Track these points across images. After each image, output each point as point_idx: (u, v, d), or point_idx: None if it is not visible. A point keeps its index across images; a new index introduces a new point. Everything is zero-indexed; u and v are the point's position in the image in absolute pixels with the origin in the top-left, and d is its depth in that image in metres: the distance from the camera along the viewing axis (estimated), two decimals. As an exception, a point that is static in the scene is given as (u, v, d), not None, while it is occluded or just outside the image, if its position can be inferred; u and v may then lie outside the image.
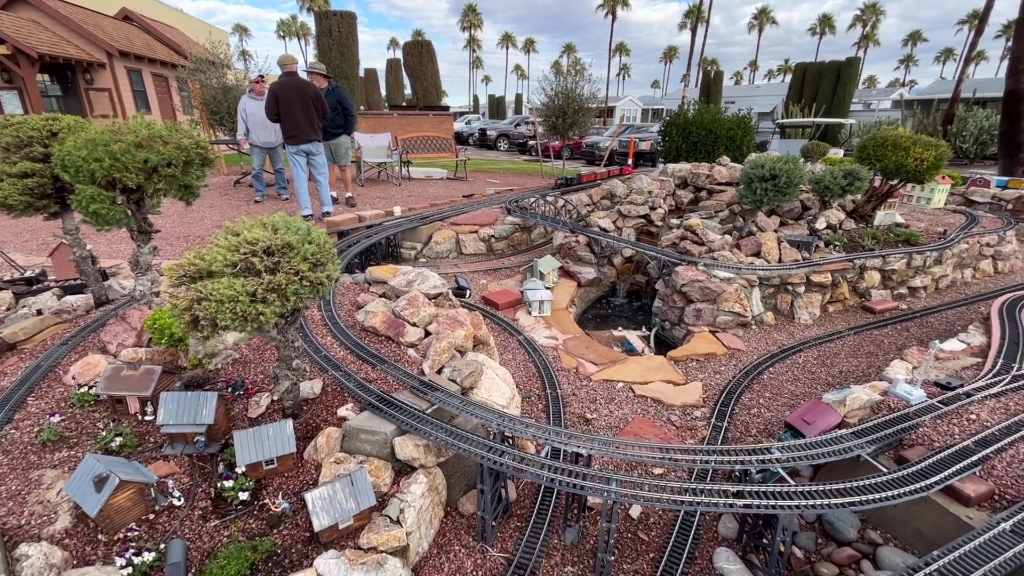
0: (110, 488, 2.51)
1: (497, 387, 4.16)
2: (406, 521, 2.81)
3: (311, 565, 2.51)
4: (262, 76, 9.76)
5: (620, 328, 6.14)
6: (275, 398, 3.36)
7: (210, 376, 3.89)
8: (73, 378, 3.63)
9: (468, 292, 6.25)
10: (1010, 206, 10.19)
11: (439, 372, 3.94)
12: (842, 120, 21.32)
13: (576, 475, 2.76)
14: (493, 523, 3.12)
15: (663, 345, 6.01)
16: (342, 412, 3.42)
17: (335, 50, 20.43)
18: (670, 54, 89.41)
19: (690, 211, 8.31)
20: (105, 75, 19.80)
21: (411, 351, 4.22)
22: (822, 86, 27.20)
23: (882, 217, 7.74)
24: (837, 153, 15.26)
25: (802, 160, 7.42)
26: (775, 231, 7.08)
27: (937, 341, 3.64)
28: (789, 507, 2.56)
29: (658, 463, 2.86)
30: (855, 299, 6.70)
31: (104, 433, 3.14)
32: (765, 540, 2.83)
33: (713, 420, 4.22)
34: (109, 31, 20.52)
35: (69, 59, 17.68)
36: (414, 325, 4.48)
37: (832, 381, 4.88)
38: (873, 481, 2.74)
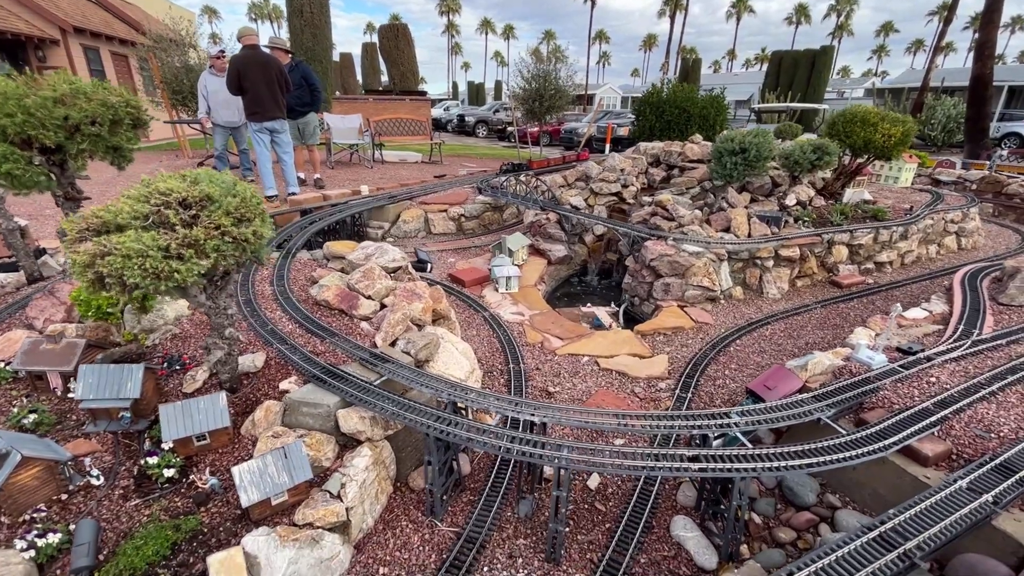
0: (11, 465, 2.28)
1: (455, 361, 3.99)
2: (347, 496, 2.64)
3: (239, 543, 2.32)
4: (223, 51, 9.27)
5: (589, 305, 6.02)
6: (207, 370, 3.13)
7: (146, 352, 3.63)
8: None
9: (429, 266, 6.05)
10: (974, 186, 10.37)
11: (393, 345, 3.76)
12: (816, 106, 21.51)
13: (527, 443, 2.62)
14: (444, 497, 2.97)
15: (633, 321, 5.91)
16: (284, 385, 3.22)
17: (307, 31, 19.73)
18: (649, 42, 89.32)
19: (662, 189, 8.22)
20: (59, 53, 18.77)
21: (364, 324, 4.02)
22: (797, 74, 27.42)
23: (851, 194, 7.76)
24: (811, 138, 15.38)
25: (777, 140, 7.37)
26: (745, 207, 7.02)
27: (899, 306, 3.59)
28: (745, 470, 2.46)
29: (614, 430, 2.75)
30: (823, 274, 6.70)
31: (16, 410, 2.88)
32: (723, 506, 2.74)
33: (677, 391, 4.13)
34: (63, 6, 19.44)
35: (19, 34, 16.71)
36: (369, 298, 4.28)
37: (798, 352, 4.84)
38: (831, 443, 2.66)
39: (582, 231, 7.54)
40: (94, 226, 2.21)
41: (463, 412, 3.10)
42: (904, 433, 2.72)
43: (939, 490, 2.36)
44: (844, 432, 2.77)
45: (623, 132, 17.84)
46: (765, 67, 37.75)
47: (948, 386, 3.20)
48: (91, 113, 3.44)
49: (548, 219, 7.41)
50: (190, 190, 2.31)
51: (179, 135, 14.64)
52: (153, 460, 2.66)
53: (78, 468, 2.65)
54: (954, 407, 2.95)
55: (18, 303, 4.13)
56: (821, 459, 2.51)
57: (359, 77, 36.13)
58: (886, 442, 2.65)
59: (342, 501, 2.62)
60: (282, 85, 7.74)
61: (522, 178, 9.06)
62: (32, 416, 2.84)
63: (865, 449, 2.59)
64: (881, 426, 2.79)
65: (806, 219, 6.89)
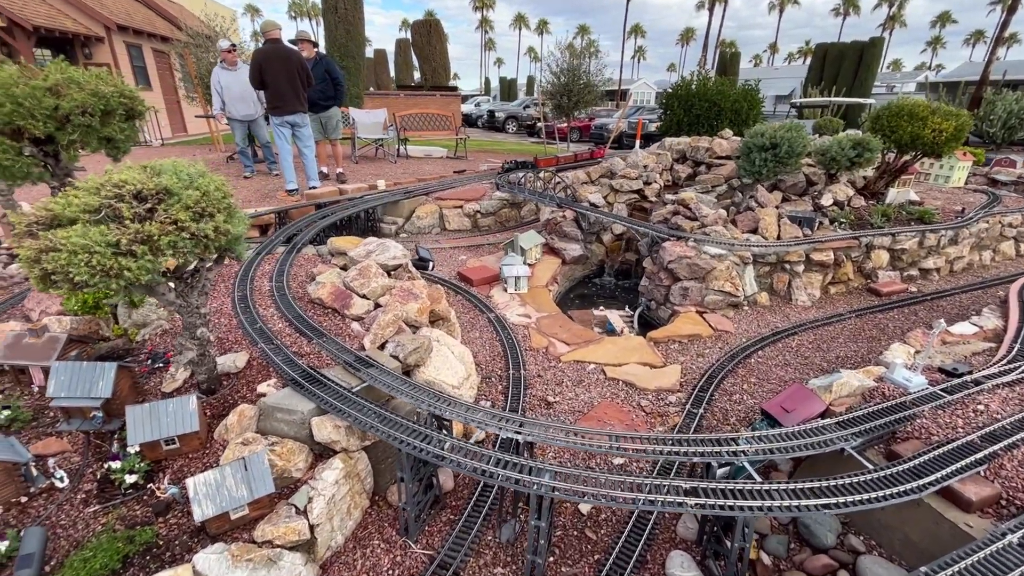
0: (-38, 467, 2.19)
1: (449, 366, 3.78)
2: (312, 512, 2.46)
3: (190, 561, 2.17)
4: (234, 46, 9.30)
5: (602, 308, 5.72)
6: (174, 371, 3.01)
7: (133, 348, 3.56)
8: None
9: (431, 264, 5.86)
10: (1037, 187, 9.49)
11: (382, 348, 3.57)
12: (863, 100, 20.30)
13: (508, 465, 2.38)
14: (423, 516, 2.76)
15: (648, 326, 5.58)
16: (262, 388, 3.07)
17: (341, 27, 19.93)
18: (687, 36, 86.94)
19: (687, 186, 7.80)
20: (104, 50, 19.50)
21: (355, 325, 3.85)
22: (843, 67, 26.02)
23: (895, 195, 7.16)
24: (853, 134, 14.47)
25: (813, 136, 6.82)
26: (776, 207, 6.56)
27: (942, 322, 3.17)
28: (750, 508, 2.15)
29: (607, 452, 2.48)
30: (860, 280, 6.19)
31: (-11, 406, 2.82)
32: (727, 545, 2.44)
33: (688, 406, 3.81)
34: (108, 4, 20.18)
35: (66, 32, 17.41)
36: (363, 297, 4.11)
37: (827, 367, 4.43)
38: (856, 479, 2.32)
39: (600, 230, 7.22)
40: (44, 219, 2.08)
41: (447, 425, 2.89)
42: (944, 472, 2.35)
43: (984, 545, 2.00)
44: (872, 466, 2.41)
45: (654, 128, 17.27)
46: (808, 61, 36.15)
47: (999, 416, 2.79)
48: (81, 103, 3.36)
49: (564, 217, 7.11)
50: (146, 182, 2.16)
51: (212, 130, 14.93)
52: (116, 464, 2.54)
53: (43, 469, 2.56)
54: (1006, 442, 2.55)
55: (20, 294, 4.15)
56: (842, 499, 2.18)
57: (392, 73, 36.42)
58: (921, 481, 2.29)
59: (307, 517, 2.44)
60: (303, 79, 7.69)
61: (542, 175, 8.77)
62: (5, 412, 2.78)
63: (896, 489, 2.24)
64: (916, 462, 2.43)
65: (843, 220, 6.38)
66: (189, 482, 2.26)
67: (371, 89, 24.86)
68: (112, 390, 2.79)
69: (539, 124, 21.69)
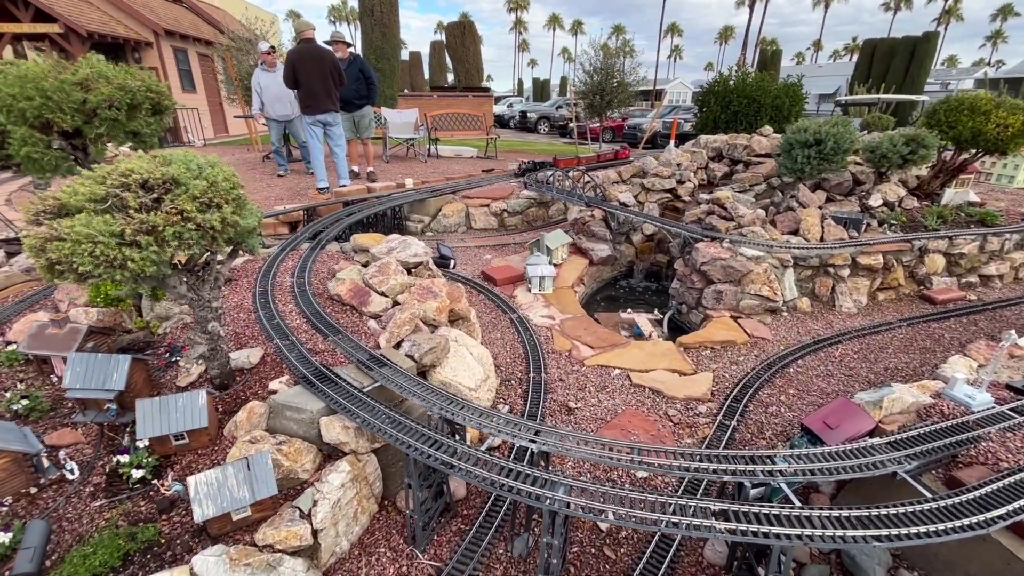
0: (-28, 456, 2.18)
1: (467, 367, 3.65)
2: (316, 516, 2.36)
3: (188, 562, 2.10)
4: (273, 48, 9.49)
5: (629, 311, 5.49)
6: (186, 365, 2.98)
7: (154, 341, 3.57)
8: (2, 335, 3.39)
9: (452, 262, 5.74)
10: (1115, 189, 8.67)
11: (397, 347, 3.47)
12: (914, 97, 19.18)
13: (519, 476, 2.22)
14: (432, 524, 2.64)
15: (678, 331, 5.32)
16: (274, 385, 3.01)
17: (377, 30, 20.25)
18: (726, 34, 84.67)
19: (723, 186, 7.46)
20: (152, 54, 20.35)
21: (372, 322, 3.76)
22: (893, 64, 24.70)
23: (951, 195, 6.64)
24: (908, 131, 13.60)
25: (861, 132, 6.37)
26: (819, 208, 6.18)
27: (1013, 333, 2.83)
28: (788, 536, 1.92)
29: (628, 467, 2.29)
30: (912, 287, 5.75)
31: (9, 395, 2.84)
32: (763, 572, 2.21)
33: (720, 417, 3.56)
34: (156, 10, 21.07)
35: (118, 38, 18.24)
36: (382, 294, 4.03)
37: (874, 379, 4.09)
38: (912, 509, 2.05)
39: (629, 230, 6.97)
40: (51, 208, 2.05)
41: (460, 430, 2.75)
42: (1017, 504, 2.06)
43: (1067, 593, 1.72)
44: (929, 494, 2.14)
45: (689, 127, 16.77)
46: (855, 58, 34.61)
47: (1081, 442, 2.45)
48: (108, 96, 3.39)
49: (593, 216, 6.90)
50: (153, 171, 2.10)
51: (250, 131, 15.31)
52: (124, 458, 2.51)
53: (54, 460, 2.55)
54: (1090, 472, 2.23)
55: (52, 286, 4.24)
56: (896, 531, 1.93)
57: (426, 75, 36.85)
58: (990, 515, 2.01)
59: (311, 521, 2.35)
60: (335, 79, 7.75)
61: (572, 173, 8.57)
62: (24, 402, 2.80)
63: (960, 522, 1.97)
64: (983, 491, 2.14)
65: (893, 222, 5.94)
66: (190, 481, 2.19)
67: (405, 91, 25.17)
68: (126, 383, 2.77)
69: (571, 125, 21.46)
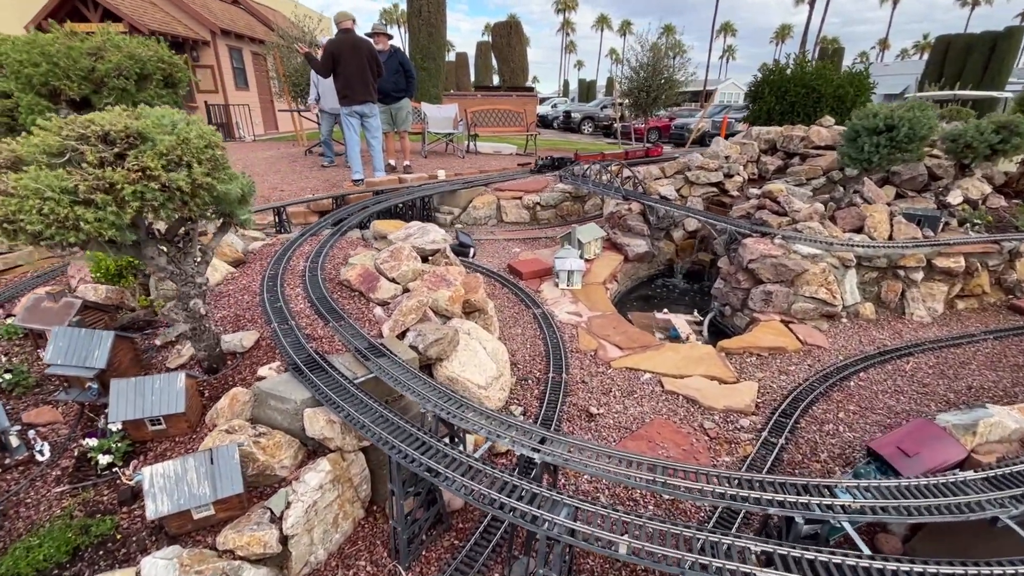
0: (-73, 430, 2.02)
1: (477, 362, 3.32)
2: (287, 519, 2.08)
3: (137, 563, 1.86)
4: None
5: (666, 311, 5.02)
6: (159, 342, 2.78)
7: (156, 320, 3.43)
8: (2, 308, 3.32)
9: (471, 251, 5.42)
10: None
11: (402, 336, 3.18)
12: (996, 94, 17.45)
13: (511, 492, 1.86)
14: (421, 538, 2.31)
15: (720, 335, 4.81)
16: (263, 372, 2.76)
17: (424, 30, 20.40)
18: (783, 33, 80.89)
19: (776, 180, 6.82)
20: (209, 52, 21.20)
21: (378, 310, 3.49)
22: (970, 61, 22.76)
23: (1049, 193, 5.79)
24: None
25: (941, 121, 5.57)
26: (887, 204, 5.50)
27: None
28: (854, 594, 1.48)
29: (650, 489, 1.89)
30: (998, 295, 5.00)
31: (-7, 368, 2.72)
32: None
33: (765, 434, 3.08)
34: (214, 10, 21.95)
35: (177, 36, 19.07)
36: (392, 281, 3.75)
37: (954, 399, 3.48)
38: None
39: (669, 225, 6.47)
40: (6, 161, 1.85)
41: (458, 433, 2.42)
42: None
43: None
44: (1046, 550, 1.64)
45: (741, 127, 15.87)
46: (925, 57, 32.26)
47: None
48: (117, 65, 3.25)
49: (630, 210, 6.44)
50: (115, 123, 1.87)
51: (296, 127, 15.60)
52: (93, 442, 2.31)
53: (25, 439, 2.39)
54: None
55: (68, 263, 4.21)
56: (1002, 599, 1.45)
57: (472, 76, 37.01)
58: None
59: (281, 526, 2.07)
60: (373, 69, 7.64)
61: (611, 167, 8.11)
62: (7, 376, 2.66)
63: (1093, 594, 1.47)
64: (1124, 552, 1.61)
65: (976, 222, 5.21)
66: (145, 472, 1.96)
67: (451, 92, 25.28)
68: (108, 361, 2.59)
69: (616, 124, 20.87)
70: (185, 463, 2.00)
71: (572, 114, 29.43)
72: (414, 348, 3.05)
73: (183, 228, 2.36)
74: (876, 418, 3.31)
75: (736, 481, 1.91)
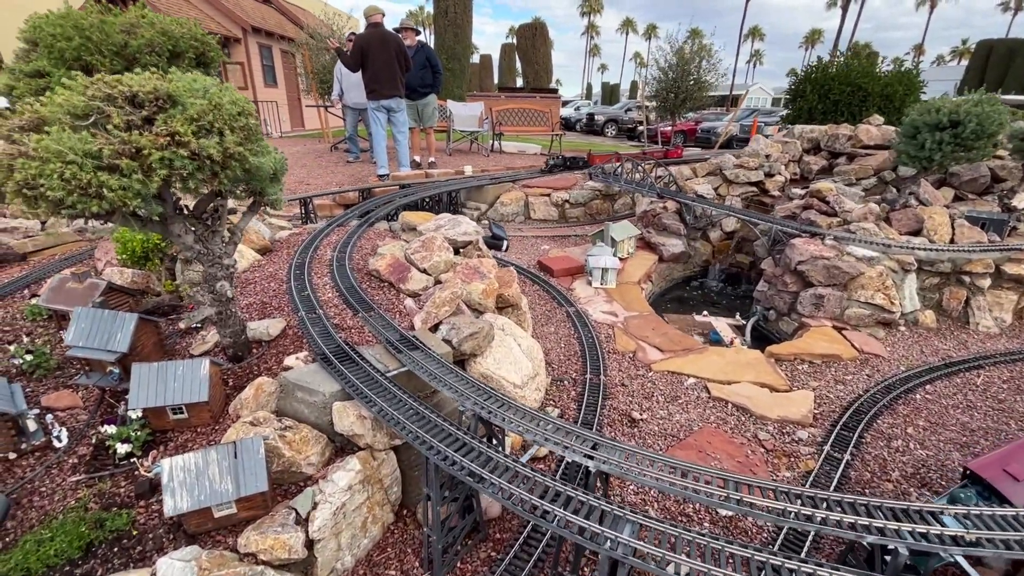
0: (-59, 411, 1.90)
1: (513, 360, 3.12)
2: (314, 522, 1.90)
3: (153, 563, 1.70)
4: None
5: (705, 313, 4.75)
6: (183, 325, 2.64)
7: (181, 306, 3.31)
8: (28, 289, 3.23)
9: (505, 244, 5.22)
10: None
11: (434, 329, 3.00)
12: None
13: (566, 503, 1.65)
14: (456, 547, 2.12)
15: (763, 341, 4.52)
16: (290, 361, 2.61)
17: (450, 31, 20.41)
18: (812, 38, 79.11)
19: (821, 179, 6.48)
20: (239, 50, 21.52)
21: (409, 301, 3.32)
22: (1014, 66, 21.88)
23: (1125, 199, 5.35)
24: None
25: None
26: (946, 207, 5.14)
27: None
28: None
29: (712, 504, 1.66)
30: (1074, 307, 4.61)
31: (13, 347, 2.62)
32: None
33: (828, 448, 2.81)
34: (247, 9, 22.28)
35: (210, 33, 19.39)
36: (423, 272, 3.58)
37: (1037, 417, 3.16)
38: None
39: (707, 225, 6.19)
40: (29, 123, 1.72)
41: (498, 434, 2.22)
42: None
43: None
44: None
45: (772, 131, 15.41)
46: (963, 63, 31.15)
47: None
48: (150, 41, 3.15)
49: (665, 208, 6.19)
50: (144, 84, 1.72)
51: (322, 123, 15.67)
52: (111, 429, 2.17)
53: (42, 424, 2.26)
54: None
55: (95, 246, 4.15)
56: None
57: (495, 78, 37.02)
58: None
59: (307, 529, 1.89)
60: (402, 64, 7.54)
61: (644, 165, 7.85)
62: (28, 356, 2.55)
63: None
64: None
65: (1047, 227, 4.82)
66: (164, 464, 1.80)
67: (475, 92, 25.27)
68: (130, 344, 2.46)
69: (640, 127, 20.54)
70: (207, 456, 1.84)
71: (595, 117, 29.09)
72: (447, 342, 2.87)
73: (212, 204, 2.22)
74: (950, 435, 3.01)
75: (824, 502, 1.67)
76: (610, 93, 49.36)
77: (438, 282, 3.54)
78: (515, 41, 27.82)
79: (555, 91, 24.54)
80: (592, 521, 1.55)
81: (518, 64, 30.42)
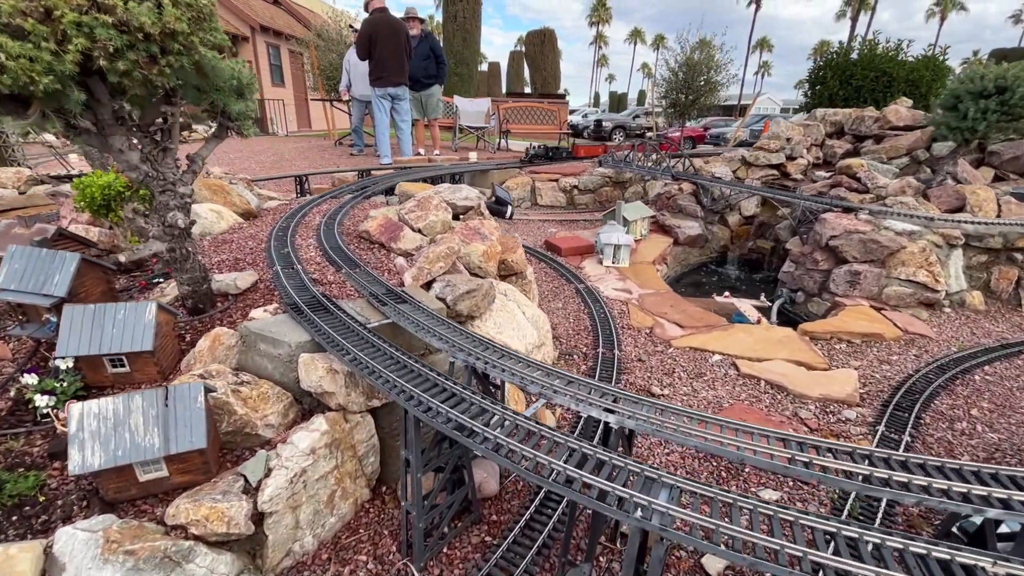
0: None
1: (517, 326, 2.75)
2: (265, 490, 1.53)
3: (53, 534, 1.33)
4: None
5: (727, 294, 4.36)
6: (124, 259, 2.29)
7: (145, 260, 2.96)
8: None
9: (510, 209, 4.85)
10: None
11: (427, 287, 2.63)
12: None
13: (588, 463, 1.27)
14: (442, 529, 1.73)
15: (790, 324, 4.11)
16: (256, 314, 2.25)
17: (458, 36, 20.33)
18: (821, 50, 79.06)
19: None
20: (247, 48, 21.47)
21: (400, 260, 2.95)
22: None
23: None
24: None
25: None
26: (988, 185, 4.74)
27: None
28: None
29: (789, 473, 1.28)
30: None
31: (-62, 293, 2.26)
32: None
33: (882, 428, 2.40)
34: (255, 7, 22.28)
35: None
36: (418, 231, 3.22)
37: (1120, 401, 2.74)
38: None
39: (725, 208, 5.81)
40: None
41: (495, 390, 1.85)
42: None
43: None
44: None
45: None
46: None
47: None
48: None
49: (680, 189, 5.81)
50: (62, -66, 1.38)
51: (328, 119, 15.49)
52: (31, 379, 1.81)
53: (-44, 375, 1.90)
54: None
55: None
56: None
57: (503, 86, 36.98)
58: None
59: (255, 500, 1.52)
60: (408, 51, 7.30)
61: (654, 157, 7.49)
62: (-45, 305, 2.20)
63: None
64: None
65: (1102, 206, 4.40)
66: (73, 409, 1.43)
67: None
68: (69, 288, 2.11)
69: (648, 134, 20.22)
70: (129, 402, 1.47)
71: (603, 123, 28.83)
72: (441, 300, 2.50)
73: (162, 116, 1.87)
74: (1019, 418, 2.59)
75: (919, 468, 1.28)
76: (618, 102, 49.27)
77: (433, 243, 3.18)
78: (523, 48, 27.77)
79: (563, 96, 24.34)
80: (617, 484, 1.17)
81: (526, 72, 30.41)
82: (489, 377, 1.76)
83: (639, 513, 1.10)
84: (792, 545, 1.02)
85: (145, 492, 1.53)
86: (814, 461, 1.27)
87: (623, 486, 1.16)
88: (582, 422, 2.21)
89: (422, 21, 8.78)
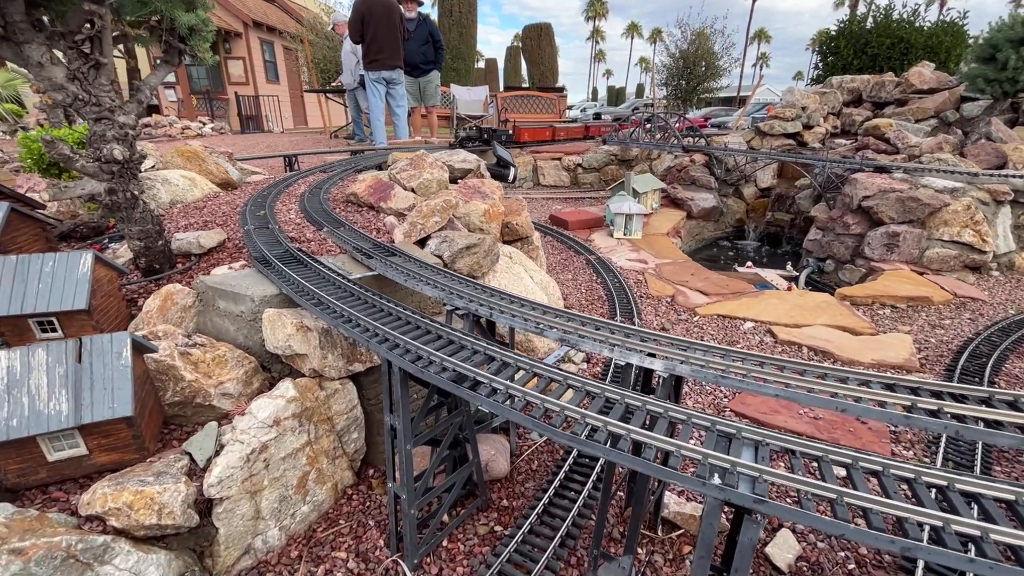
0: None
1: (524, 289, 2.41)
2: (213, 470, 1.19)
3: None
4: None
5: (750, 264, 4.02)
6: (48, 196, 1.96)
7: (105, 228, 2.63)
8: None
9: (512, 172, 4.49)
10: None
11: (421, 244, 2.30)
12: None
13: (626, 414, 0.93)
14: (439, 518, 1.39)
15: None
16: (220, 271, 1.91)
17: (455, 30, 20.04)
18: (820, 39, 78.45)
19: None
20: (241, 44, 21.13)
21: (390, 218, 2.61)
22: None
23: None
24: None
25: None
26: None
27: None
28: None
29: (881, 417, 0.94)
30: None
31: None
32: None
33: (953, 394, 2.05)
34: (248, 3, 21.96)
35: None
36: (410, 190, 2.88)
37: None
38: None
39: (739, 180, 5.46)
40: None
41: (498, 338, 1.51)
42: None
43: None
44: None
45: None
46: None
47: None
48: None
49: (693, 161, 5.47)
50: None
51: (323, 112, 15.16)
52: (-66, 344, 1.47)
53: None
54: None
55: (27, 179, 3.50)
56: None
57: (500, 82, 36.62)
58: None
59: (201, 482, 1.18)
60: (402, 33, 6.94)
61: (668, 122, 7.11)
62: None
63: None
64: None
65: None
66: (-49, 365, 1.09)
67: (479, 91, 24.87)
68: (-4, 243, 1.77)
69: (648, 125, 19.77)
70: (30, 356, 1.13)
71: (602, 116, 28.54)
72: (438, 257, 2.17)
73: (88, 21, 1.53)
74: (1104, 381, 2.25)
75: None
76: (615, 96, 48.85)
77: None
78: (521, 42, 27.48)
79: (561, 89, 23.94)
80: (678, 441, 0.83)
81: (523, 68, 30.15)
82: (495, 326, 1.42)
83: (716, 479, 0.76)
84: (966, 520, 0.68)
85: (58, 475, 1.19)
86: (944, 409, 0.93)
87: (688, 439, 0.83)
88: (610, 375, 1.88)
89: (420, 4, 8.43)
